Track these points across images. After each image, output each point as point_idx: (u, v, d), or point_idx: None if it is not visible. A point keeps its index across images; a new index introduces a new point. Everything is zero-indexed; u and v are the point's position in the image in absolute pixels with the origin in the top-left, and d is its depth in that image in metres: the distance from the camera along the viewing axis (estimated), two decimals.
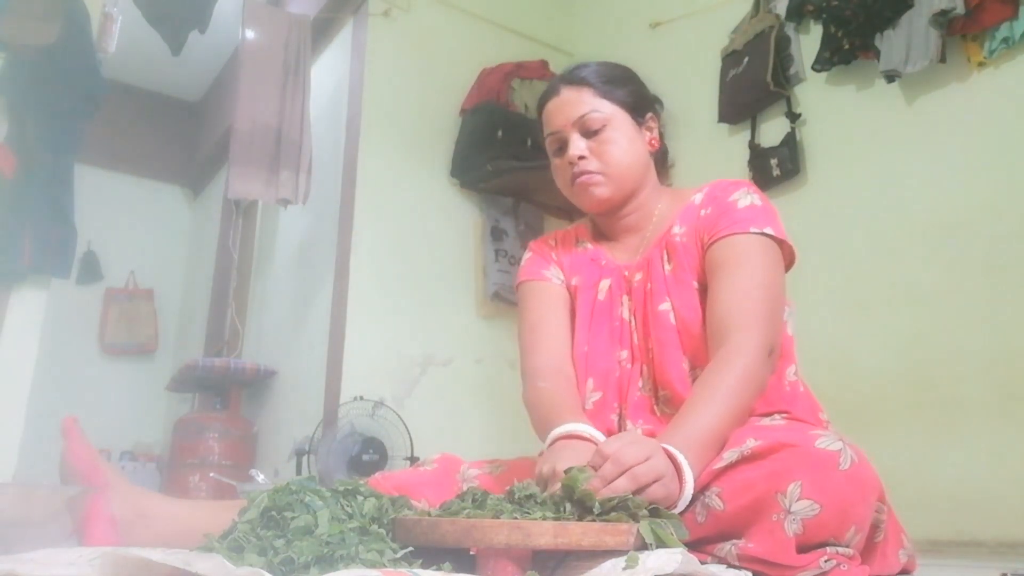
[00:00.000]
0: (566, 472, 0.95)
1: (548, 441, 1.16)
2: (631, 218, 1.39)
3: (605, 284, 1.37)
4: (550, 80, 1.40)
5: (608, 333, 1.34)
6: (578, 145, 1.32)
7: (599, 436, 1.15)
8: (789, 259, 1.29)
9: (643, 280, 1.33)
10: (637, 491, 0.92)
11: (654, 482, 0.93)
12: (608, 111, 1.33)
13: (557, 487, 0.95)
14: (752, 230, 1.24)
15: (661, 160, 1.45)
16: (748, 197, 1.29)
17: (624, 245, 1.40)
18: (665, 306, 1.28)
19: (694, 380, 1.22)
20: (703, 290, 1.27)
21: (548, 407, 1.23)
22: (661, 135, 1.42)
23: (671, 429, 1.06)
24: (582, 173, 1.32)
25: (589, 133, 1.33)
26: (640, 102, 1.38)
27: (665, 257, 1.32)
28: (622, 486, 0.91)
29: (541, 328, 1.37)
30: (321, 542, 0.81)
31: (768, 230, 1.24)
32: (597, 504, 0.90)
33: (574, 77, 1.36)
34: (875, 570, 1.04)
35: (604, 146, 1.32)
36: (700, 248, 1.29)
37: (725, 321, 1.17)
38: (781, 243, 1.26)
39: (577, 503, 0.92)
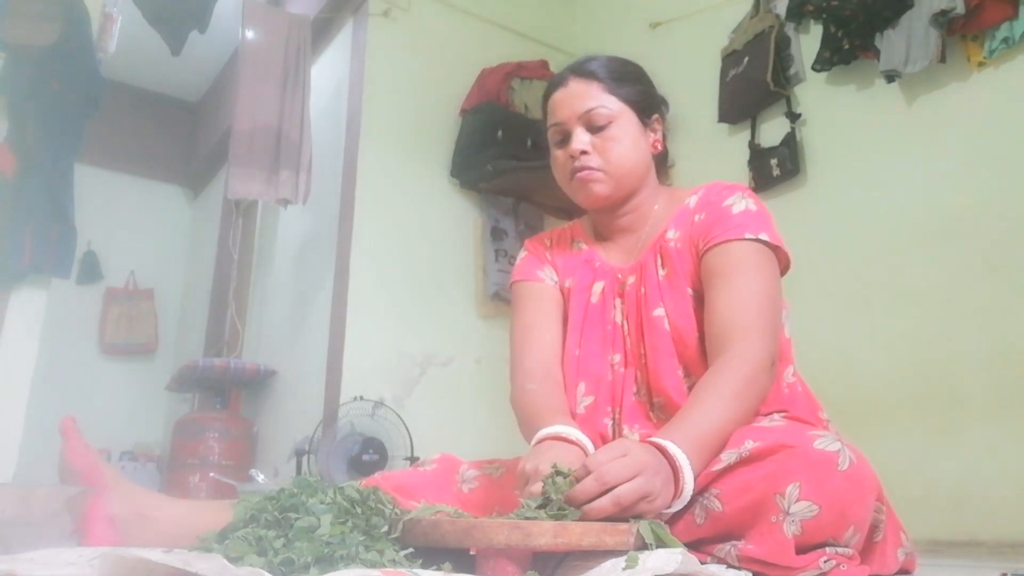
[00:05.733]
0: (548, 475, 0.94)
1: (534, 441, 1.14)
2: (627, 218, 1.37)
3: (598, 287, 1.36)
4: (558, 72, 1.36)
5: (600, 337, 1.32)
6: (581, 139, 1.30)
7: (584, 440, 1.13)
8: (784, 264, 1.27)
9: (636, 284, 1.31)
10: (620, 512, 0.88)
11: (639, 501, 0.89)
12: (615, 108, 1.30)
13: (537, 486, 0.94)
14: (747, 236, 1.22)
15: (661, 162, 1.43)
16: (743, 202, 1.27)
17: (619, 246, 1.39)
18: (659, 312, 1.27)
19: (690, 388, 1.20)
20: (698, 297, 1.26)
21: (535, 409, 1.22)
22: (664, 137, 1.40)
23: (673, 425, 1.04)
24: (583, 168, 1.30)
25: (594, 128, 1.30)
26: (648, 102, 1.36)
27: (659, 263, 1.30)
28: (603, 508, 0.88)
29: (532, 330, 1.36)
30: (321, 542, 0.81)
31: (763, 236, 1.22)
32: (570, 513, 0.89)
33: (584, 69, 1.33)
34: (874, 569, 1.04)
35: (608, 143, 1.30)
36: (695, 254, 1.27)
37: (725, 329, 1.16)
38: (776, 249, 1.24)
39: (554, 507, 0.91)
